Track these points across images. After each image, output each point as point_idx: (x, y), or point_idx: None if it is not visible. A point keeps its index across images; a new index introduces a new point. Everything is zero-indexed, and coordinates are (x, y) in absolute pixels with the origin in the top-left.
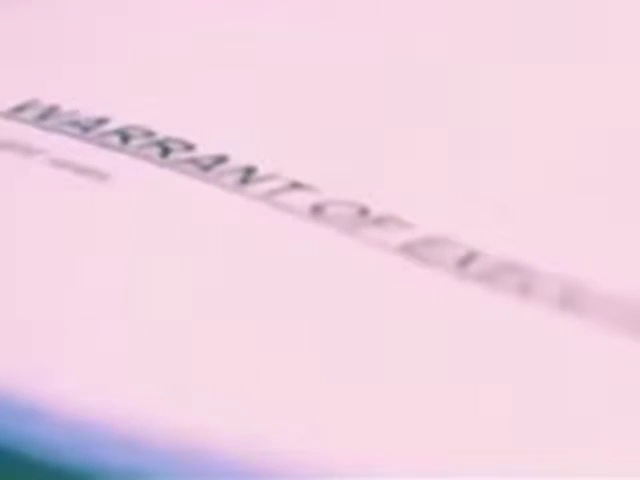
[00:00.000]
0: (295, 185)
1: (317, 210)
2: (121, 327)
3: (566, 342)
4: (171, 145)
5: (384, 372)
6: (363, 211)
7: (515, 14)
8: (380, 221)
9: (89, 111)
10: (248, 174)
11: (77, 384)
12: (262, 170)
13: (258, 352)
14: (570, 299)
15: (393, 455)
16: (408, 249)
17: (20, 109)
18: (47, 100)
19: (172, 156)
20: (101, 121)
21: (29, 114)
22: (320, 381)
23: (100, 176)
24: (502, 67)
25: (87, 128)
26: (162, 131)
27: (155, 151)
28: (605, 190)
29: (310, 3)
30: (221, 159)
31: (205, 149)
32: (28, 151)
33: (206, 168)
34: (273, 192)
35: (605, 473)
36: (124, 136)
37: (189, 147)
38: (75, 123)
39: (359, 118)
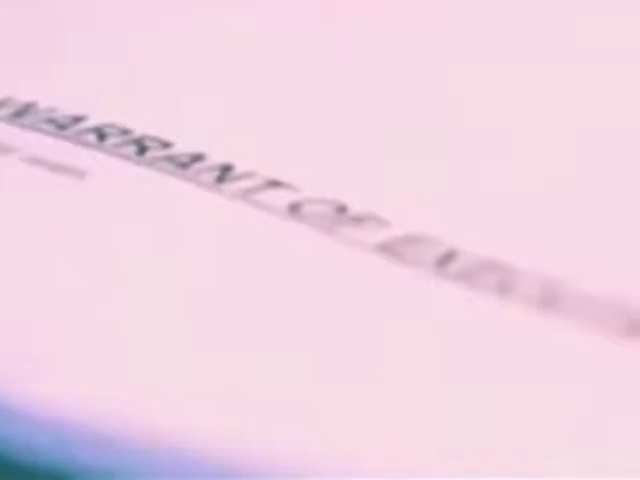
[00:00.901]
0: (272, 183)
1: (295, 208)
2: (97, 326)
3: (546, 341)
4: (148, 143)
5: (362, 371)
6: (341, 209)
7: (510, 16)
8: (358, 219)
9: (65, 109)
10: (225, 172)
11: (54, 384)
12: (239, 168)
13: (235, 350)
14: (550, 298)
15: (369, 454)
16: (387, 248)
17: None
18: (23, 97)
19: (149, 154)
20: (77, 119)
21: (4, 111)
22: (298, 379)
23: (76, 174)
24: (486, 67)
25: (63, 126)
26: (139, 129)
27: (132, 149)
28: (585, 189)
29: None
30: (198, 157)
31: (182, 147)
32: (3, 149)
33: (183, 166)
34: (250, 190)
35: (586, 473)
36: (101, 134)
37: (166, 145)
38: (51, 121)
39: (337, 116)
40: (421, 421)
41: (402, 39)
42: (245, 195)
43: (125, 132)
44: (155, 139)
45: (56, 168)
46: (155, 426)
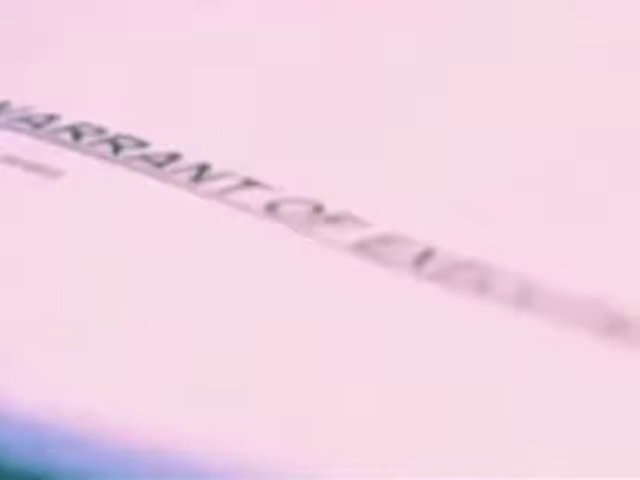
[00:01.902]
0: (249, 183)
1: (271, 208)
2: (71, 327)
3: (523, 340)
4: (123, 142)
5: (338, 371)
6: (318, 209)
7: (491, 17)
8: (335, 219)
9: (40, 107)
10: (201, 172)
11: (28, 386)
12: (215, 168)
13: (211, 350)
14: (527, 297)
15: (345, 453)
16: (363, 247)
17: None
18: None
19: (124, 153)
20: (52, 118)
21: None
22: (273, 378)
23: (51, 173)
24: (464, 68)
25: (38, 125)
26: (114, 128)
27: (107, 148)
28: (562, 189)
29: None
30: (174, 156)
31: (158, 146)
32: None
33: (159, 165)
34: (227, 190)
35: (562, 473)
36: (76, 133)
37: (141, 144)
38: (26, 119)
39: (314, 116)
40: (399, 420)
41: (384, 39)
42: (221, 195)
43: (100, 131)
44: (130, 138)
45: (31, 167)
46: (130, 427)
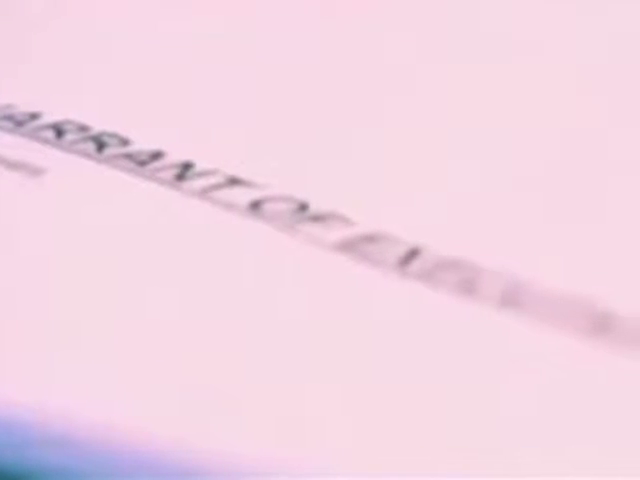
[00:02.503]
0: (233, 181)
1: (256, 206)
2: (51, 326)
3: (508, 340)
4: (106, 140)
5: (322, 370)
6: (302, 207)
7: (476, 17)
8: (320, 218)
9: (22, 105)
10: (185, 170)
11: (8, 385)
12: (199, 166)
13: (191, 349)
14: (512, 297)
15: (318, 453)
16: (348, 246)
17: None
18: None
19: (108, 151)
20: (35, 116)
21: None
22: (249, 379)
23: (34, 171)
24: (451, 68)
25: (21, 122)
26: (97, 126)
27: (90, 146)
28: (548, 189)
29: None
30: (157, 154)
31: (141, 144)
32: None
33: (142, 163)
34: (211, 188)
35: (545, 472)
36: (59, 131)
37: (125, 142)
38: (8, 117)
39: (299, 114)
40: (382, 419)
41: (367, 40)
42: (205, 193)
43: (83, 129)
44: (114, 136)
45: (14, 165)
46: (112, 427)
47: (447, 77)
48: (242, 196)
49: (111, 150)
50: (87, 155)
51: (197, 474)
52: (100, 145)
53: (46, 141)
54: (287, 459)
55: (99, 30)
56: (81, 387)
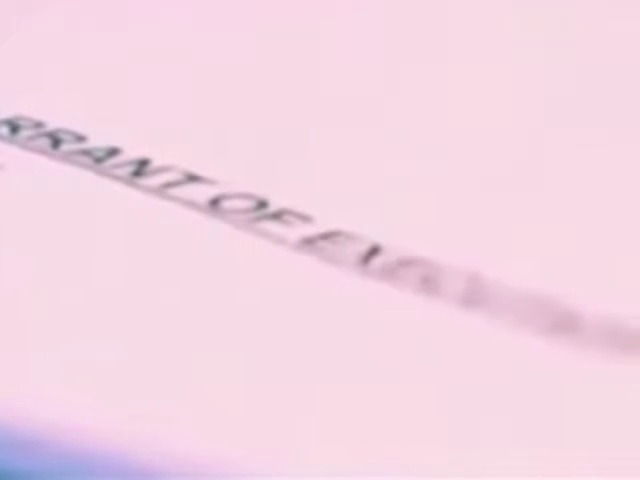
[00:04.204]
0: (191, 178)
1: (214, 203)
2: (15, 326)
3: (470, 339)
4: (62, 136)
5: (279, 372)
6: (262, 204)
7: (433, 14)
8: (280, 215)
9: None
10: (141, 167)
11: None
12: (156, 162)
13: (154, 350)
14: (474, 296)
15: (276, 455)
16: (308, 244)
17: None
18: None
19: (63, 148)
20: None
21: None
22: (211, 379)
23: None
24: (409, 64)
25: None
26: (52, 122)
27: (46, 142)
28: (511, 187)
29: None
30: (113, 151)
31: (97, 141)
32: None
33: (98, 160)
34: (168, 185)
35: (503, 473)
36: (13, 127)
37: (80, 138)
38: None
39: (258, 111)
40: (343, 420)
41: (323, 37)
42: (163, 190)
43: (38, 125)
44: (69, 132)
45: None
46: (81, 429)
47: (403, 75)
48: (201, 193)
49: (67, 146)
50: (42, 151)
51: (167, 475)
52: (56, 141)
53: (1, 137)
54: (251, 459)
55: (57, 27)
56: (50, 390)
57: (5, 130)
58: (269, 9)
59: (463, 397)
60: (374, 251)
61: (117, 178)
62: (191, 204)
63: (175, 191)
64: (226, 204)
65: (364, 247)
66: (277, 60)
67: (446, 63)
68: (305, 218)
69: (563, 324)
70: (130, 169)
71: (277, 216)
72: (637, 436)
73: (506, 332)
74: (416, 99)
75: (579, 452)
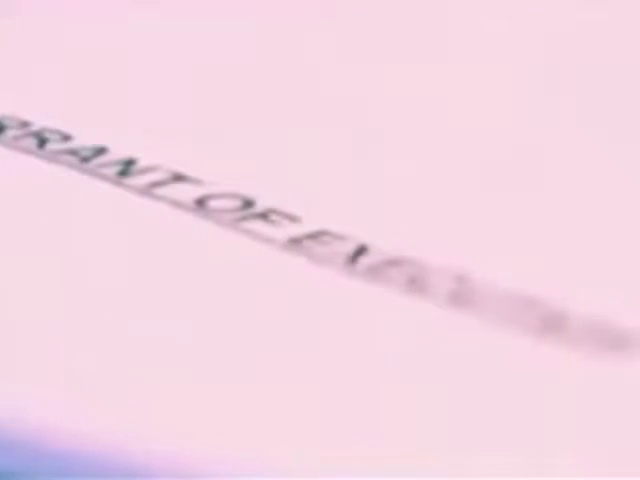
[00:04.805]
0: (177, 177)
1: (201, 203)
2: None
3: (457, 338)
4: (48, 136)
5: (267, 372)
6: (248, 204)
7: (414, 15)
8: (266, 215)
9: None
10: (128, 166)
11: None
12: (143, 162)
13: (137, 349)
14: (462, 295)
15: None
16: (295, 244)
17: None
18: None
19: (49, 147)
20: None
21: None
22: (198, 378)
23: None
24: (392, 66)
25: None
26: (38, 121)
27: (32, 142)
28: (498, 188)
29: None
30: (100, 150)
31: (83, 140)
32: None
33: (85, 159)
34: (155, 184)
35: (489, 472)
36: None
37: (67, 138)
38: None
39: (244, 111)
40: (325, 421)
41: (307, 38)
42: (149, 189)
43: (24, 124)
44: (56, 132)
45: None
46: (56, 430)
47: (386, 76)
48: (187, 193)
49: (53, 146)
50: (28, 151)
51: (142, 475)
52: (42, 141)
53: None
54: (228, 460)
55: (40, 26)
56: (25, 390)
57: None
58: (257, 8)
59: (450, 396)
60: (361, 251)
61: (103, 178)
62: (177, 204)
63: (161, 191)
64: (212, 204)
65: (351, 247)
66: (265, 59)
67: (437, 63)
68: (292, 218)
69: (550, 324)
70: (116, 169)
71: (264, 216)
72: (623, 433)
73: (493, 332)
74: (403, 99)
75: (565, 450)
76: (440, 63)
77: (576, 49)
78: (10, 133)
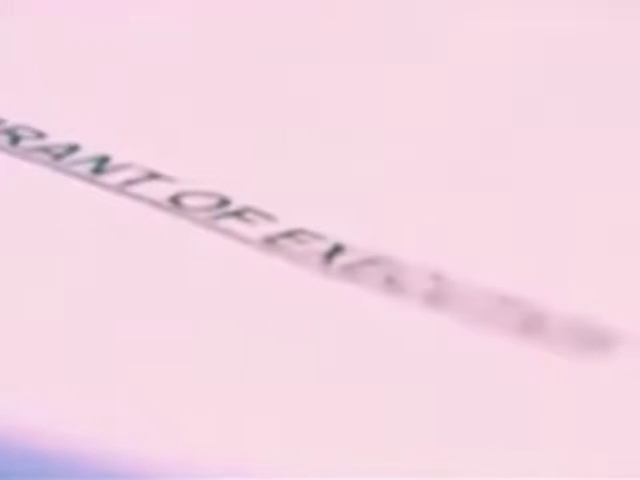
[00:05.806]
0: (152, 175)
1: (176, 201)
2: None
3: (434, 338)
4: (21, 132)
5: (241, 370)
6: (224, 202)
7: (387, 15)
8: (242, 213)
9: None
10: (101, 163)
11: None
12: (116, 159)
13: (116, 350)
14: (439, 294)
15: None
16: (271, 243)
17: None
18: None
19: (22, 144)
20: None
21: None
22: (169, 381)
23: None
24: (366, 67)
25: None
26: (11, 118)
27: (4, 139)
28: (477, 187)
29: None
30: (73, 148)
31: (56, 137)
32: None
33: (58, 157)
34: (129, 182)
35: (472, 474)
36: None
37: (40, 135)
38: None
39: (219, 108)
40: (301, 425)
41: (282, 39)
42: (123, 187)
43: None
44: (28, 129)
45: None
46: (60, 431)
47: (362, 76)
48: (161, 190)
49: (26, 143)
50: (1, 148)
51: (127, 475)
52: (15, 138)
53: None
54: (213, 462)
55: (15, 23)
56: (8, 391)
57: None
58: (239, 10)
59: (428, 396)
60: (337, 250)
61: (77, 175)
62: (152, 201)
63: (136, 188)
64: (187, 201)
65: (327, 246)
66: (241, 58)
67: (414, 63)
68: (268, 216)
69: (529, 323)
70: (90, 166)
71: (239, 214)
72: (603, 434)
73: (471, 331)
74: (380, 100)
75: (545, 450)
76: (423, 63)
77: (571, 53)
78: None
